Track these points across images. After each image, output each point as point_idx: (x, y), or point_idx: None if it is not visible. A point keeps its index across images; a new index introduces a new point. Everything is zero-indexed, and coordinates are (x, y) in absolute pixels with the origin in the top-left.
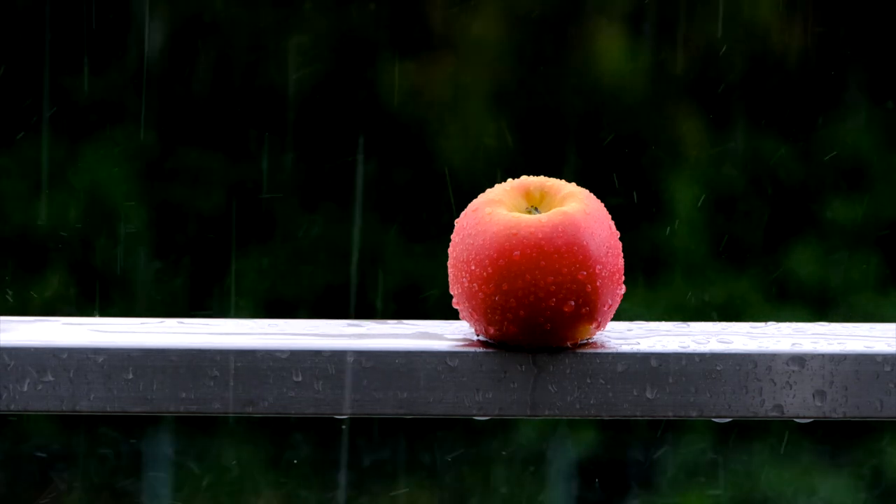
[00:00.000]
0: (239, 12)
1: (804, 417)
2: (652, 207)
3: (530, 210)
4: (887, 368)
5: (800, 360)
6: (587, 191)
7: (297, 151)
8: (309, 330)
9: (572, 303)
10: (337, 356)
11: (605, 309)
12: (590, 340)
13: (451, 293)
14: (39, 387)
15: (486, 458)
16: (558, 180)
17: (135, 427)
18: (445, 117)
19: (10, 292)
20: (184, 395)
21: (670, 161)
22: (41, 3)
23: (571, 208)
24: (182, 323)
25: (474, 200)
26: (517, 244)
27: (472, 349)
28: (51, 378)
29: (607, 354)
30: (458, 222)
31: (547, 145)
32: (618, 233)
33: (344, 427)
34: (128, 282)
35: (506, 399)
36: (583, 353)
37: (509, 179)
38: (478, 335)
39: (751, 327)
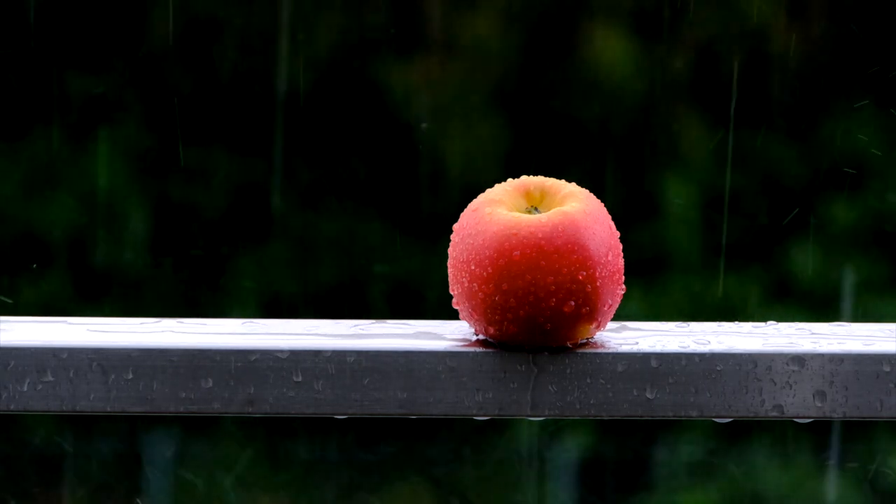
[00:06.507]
0: (240, 11)
1: (804, 417)
2: (652, 207)
3: (530, 210)
4: (887, 368)
5: (800, 360)
6: (587, 191)
7: (297, 151)
8: (309, 330)
9: (572, 303)
10: (337, 356)
11: (605, 309)
12: (590, 340)
13: (451, 293)
14: (39, 387)
15: (485, 458)
16: (558, 180)
17: (134, 427)
18: (445, 117)
19: (9, 292)
20: (184, 395)
21: (670, 161)
22: (41, 2)
23: (571, 208)
24: (182, 323)
25: (474, 200)
26: (517, 244)
27: (472, 349)
28: (51, 378)
29: (607, 354)
30: (457, 222)
31: (547, 145)
32: (618, 233)
33: (343, 427)
34: (127, 281)
35: (506, 399)
36: (583, 353)
37: (509, 179)
38: (478, 335)
39: (751, 327)
